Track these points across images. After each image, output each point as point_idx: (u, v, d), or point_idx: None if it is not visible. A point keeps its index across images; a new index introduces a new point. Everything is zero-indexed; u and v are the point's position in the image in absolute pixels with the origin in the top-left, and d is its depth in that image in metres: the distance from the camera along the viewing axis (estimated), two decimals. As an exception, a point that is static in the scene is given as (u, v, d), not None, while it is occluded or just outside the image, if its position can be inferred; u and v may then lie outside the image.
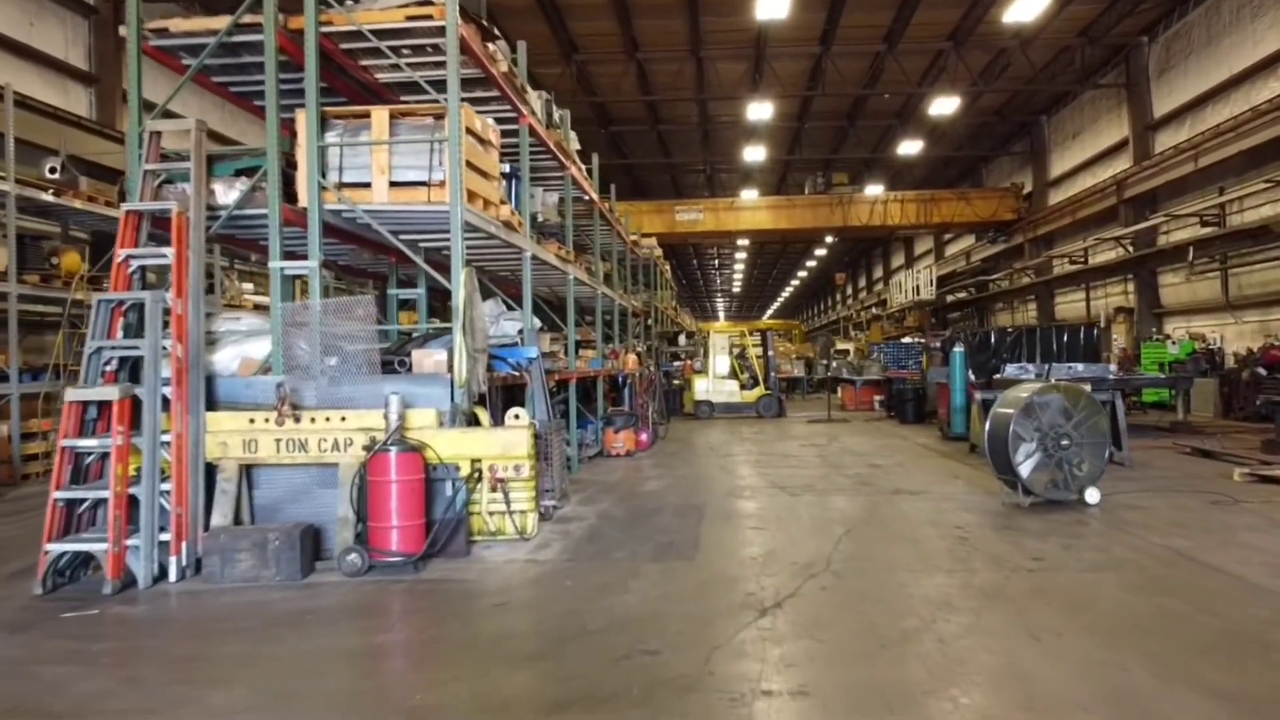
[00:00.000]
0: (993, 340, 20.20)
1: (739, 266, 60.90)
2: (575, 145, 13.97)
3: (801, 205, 33.35)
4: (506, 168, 10.24)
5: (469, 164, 8.18)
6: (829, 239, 44.65)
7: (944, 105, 26.48)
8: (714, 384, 24.76)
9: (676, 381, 27.00)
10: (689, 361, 26.94)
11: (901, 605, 5.95)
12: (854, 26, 23.05)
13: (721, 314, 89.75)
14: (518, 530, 8.28)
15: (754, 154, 31.33)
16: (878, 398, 26.13)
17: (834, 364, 30.24)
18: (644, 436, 16.07)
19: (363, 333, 7.85)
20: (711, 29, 23.19)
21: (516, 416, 7.76)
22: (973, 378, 16.91)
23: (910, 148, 31.04)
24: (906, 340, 33.03)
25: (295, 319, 7.91)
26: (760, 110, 26.44)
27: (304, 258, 8.14)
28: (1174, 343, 22.80)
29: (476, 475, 7.66)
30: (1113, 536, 8.00)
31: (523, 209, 10.50)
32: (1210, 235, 21.22)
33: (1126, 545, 7.62)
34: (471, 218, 8.20)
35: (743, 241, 46.20)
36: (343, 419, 7.56)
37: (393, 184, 8.14)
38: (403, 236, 9.12)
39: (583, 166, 14.69)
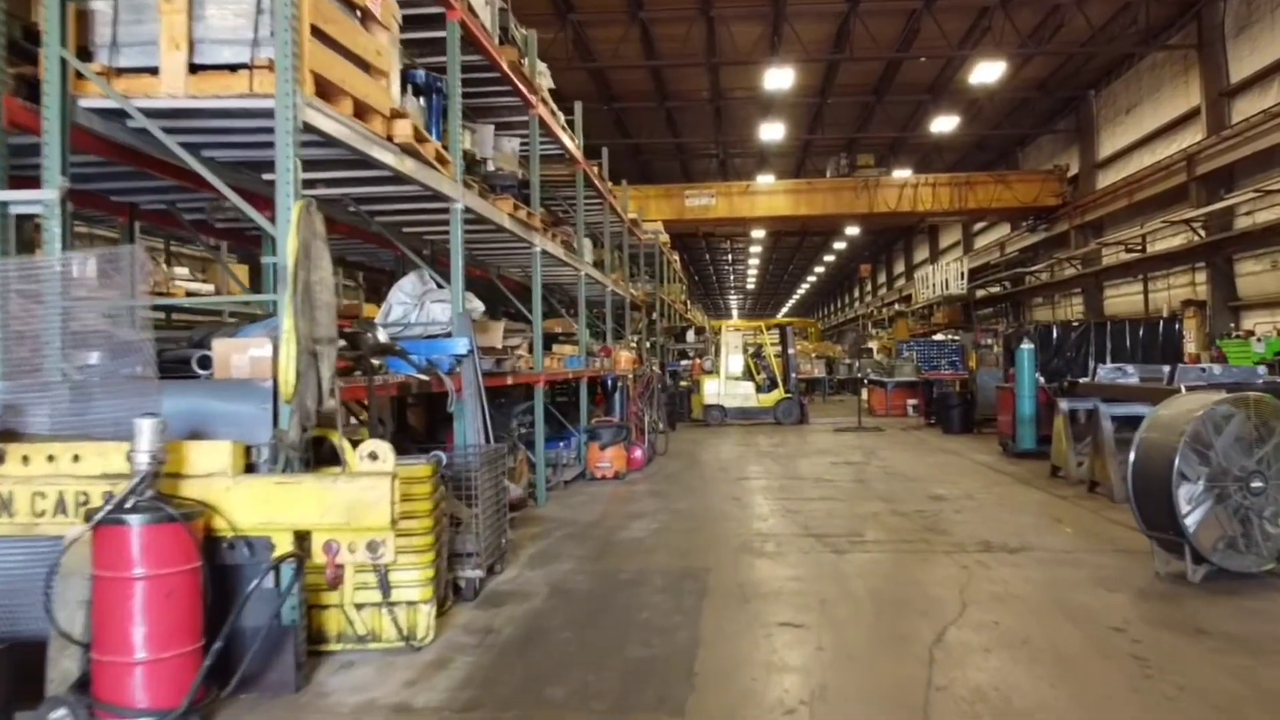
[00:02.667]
0: (1054, 336, 16.78)
1: (754, 261, 57.30)
2: (548, 83, 10.65)
3: (823, 189, 29.83)
4: (421, 76, 6.94)
5: (320, 33, 4.88)
6: (851, 229, 41.15)
7: (986, 72, 22.95)
8: (726, 386, 21.38)
9: (684, 383, 23.65)
10: (698, 360, 23.59)
11: None
12: (888, -21, 19.69)
13: (735, 312, 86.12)
14: (402, 633, 4.99)
15: (771, 132, 27.88)
16: (911, 402, 22.70)
17: (859, 363, 26.82)
18: (637, 453, 12.74)
19: (128, 311, 4.56)
20: (724, -18, 19.89)
21: (373, 456, 4.44)
22: (1042, 381, 13.51)
23: (944, 124, 27.53)
24: (939, 337, 29.57)
25: (16, 287, 4.63)
26: (779, 78, 23.00)
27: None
28: (1259, 340, 19.26)
29: (297, 557, 4.33)
30: None
31: (451, 143, 7.19)
32: (1307, 214, 17.75)
33: None
34: (325, 121, 4.90)
35: (758, 233, 42.76)
36: (75, 458, 4.27)
37: (196, 67, 4.83)
38: (211, 152, 5.85)
39: (559, 114, 11.38)
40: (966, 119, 28.56)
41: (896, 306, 43.40)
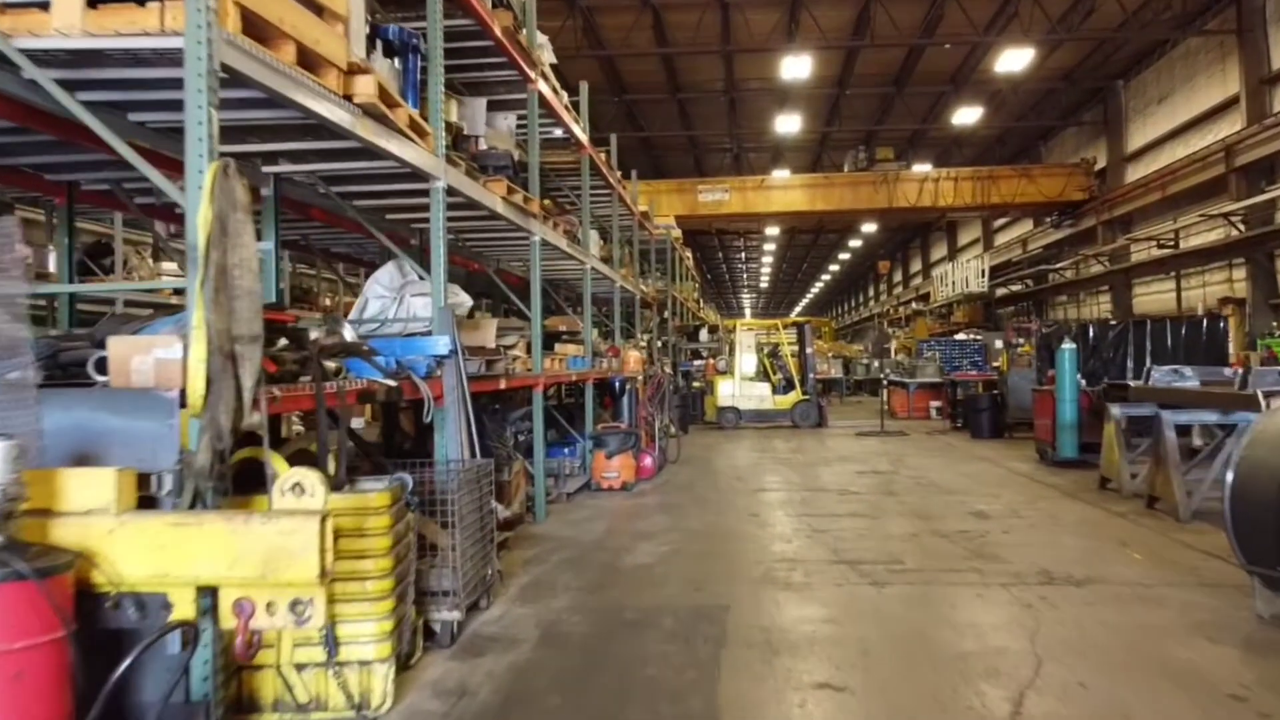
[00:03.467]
0: (1090, 336, 15.70)
1: (767, 259, 56.18)
2: (549, 57, 9.66)
3: (841, 184, 28.75)
4: (394, 31, 5.96)
5: (249, -41, 3.91)
6: (867, 226, 40.07)
7: (1012, 60, 21.88)
8: (741, 387, 20.36)
9: (697, 384, 22.65)
10: (711, 361, 22.57)
11: None
12: (911, -40, 18.62)
13: (748, 311, 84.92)
14: (352, 700, 4.01)
15: (787, 124, 26.80)
16: (934, 404, 21.62)
17: (881, 363, 25.70)
18: (647, 461, 11.75)
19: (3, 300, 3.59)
20: (739, -35, 18.87)
21: (297, 488, 3.45)
22: (1084, 384, 12.45)
23: (966, 116, 26.38)
24: (961, 337, 28.43)
25: None
26: (796, 66, 21.93)
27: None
28: (1305, 340, 18.13)
29: (189, 626, 3.35)
30: None
31: (431, 112, 6.22)
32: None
33: None
34: (252, 65, 3.93)
35: (772, 230, 41.71)
36: (-82, 491, 3.30)
37: (97, 1, 3.89)
38: (140, 115, 4.93)
39: (563, 93, 10.40)
40: (989, 110, 27.44)
41: (914, 305, 42.24)
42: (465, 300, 7.10)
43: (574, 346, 10.77)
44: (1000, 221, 36.82)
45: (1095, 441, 12.26)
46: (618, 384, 11.93)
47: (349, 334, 5.71)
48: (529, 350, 8.89)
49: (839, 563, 6.95)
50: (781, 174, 30.35)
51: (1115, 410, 9.99)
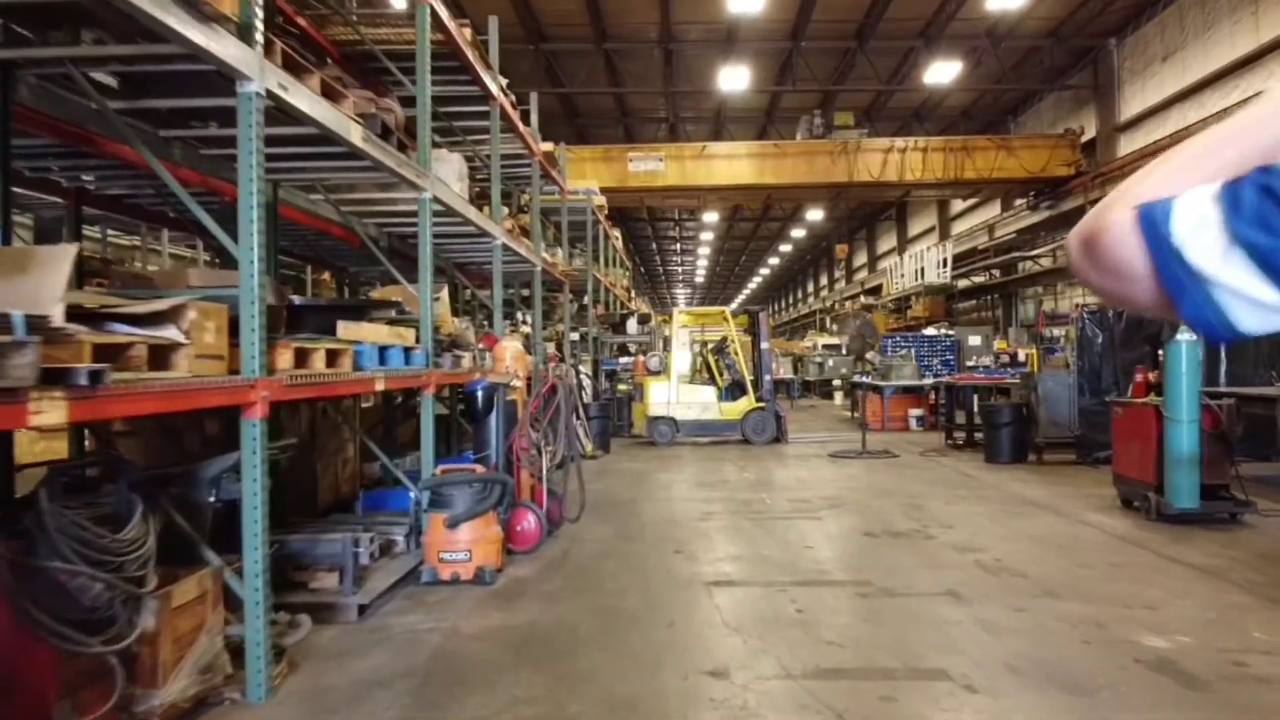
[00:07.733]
0: (1124, 325, 11.32)
1: (704, 250, 51.43)
2: None
3: (794, 153, 24.03)
4: None
5: None
6: (813, 214, 35.73)
7: (1007, -4, 17.54)
8: (679, 392, 15.54)
9: (623, 387, 17.76)
10: (641, 358, 17.67)
11: None
12: None
13: (682, 306, 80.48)
14: None
15: (733, 79, 22.08)
16: (915, 412, 17.13)
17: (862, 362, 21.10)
18: (527, 522, 6.88)
19: None
20: None
21: None
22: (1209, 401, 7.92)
23: (940, 74, 21.93)
24: (930, 332, 24.09)
25: None
26: (747, -2, 17.27)
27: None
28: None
29: None
30: None
31: None
32: None
33: None
34: None
35: (710, 218, 37.11)
36: None
37: None
38: None
39: None
40: (963, 70, 23.05)
41: (863, 299, 37.99)
42: None
43: (388, 329, 5.82)
44: (959, 207, 32.73)
45: (1220, 484, 7.82)
46: (480, 393, 7.00)
47: None
48: (234, 333, 3.97)
49: None
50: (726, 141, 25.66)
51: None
